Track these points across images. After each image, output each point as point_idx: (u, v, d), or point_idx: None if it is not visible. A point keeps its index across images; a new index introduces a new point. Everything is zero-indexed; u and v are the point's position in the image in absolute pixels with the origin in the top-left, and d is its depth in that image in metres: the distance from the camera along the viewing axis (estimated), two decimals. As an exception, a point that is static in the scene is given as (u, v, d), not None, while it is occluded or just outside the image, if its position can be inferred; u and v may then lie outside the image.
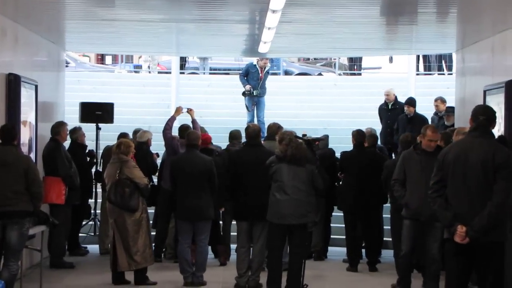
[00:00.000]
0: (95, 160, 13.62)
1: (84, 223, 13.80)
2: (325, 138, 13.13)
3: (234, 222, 11.25)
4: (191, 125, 12.52)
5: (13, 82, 10.86)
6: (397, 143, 12.87)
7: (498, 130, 10.31)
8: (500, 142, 7.82)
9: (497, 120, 7.54)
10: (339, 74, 24.17)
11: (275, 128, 11.91)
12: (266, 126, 13.72)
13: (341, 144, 15.08)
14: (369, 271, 12.20)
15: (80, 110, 14.65)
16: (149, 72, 25.36)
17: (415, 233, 9.94)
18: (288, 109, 19.66)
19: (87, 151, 13.40)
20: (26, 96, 11.51)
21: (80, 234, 13.61)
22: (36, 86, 12.06)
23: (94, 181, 13.72)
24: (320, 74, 24.72)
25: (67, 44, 14.65)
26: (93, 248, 13.62)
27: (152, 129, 14.68)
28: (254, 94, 17.68)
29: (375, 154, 12.66)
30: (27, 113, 11.62)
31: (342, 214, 12.65)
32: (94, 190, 13.85)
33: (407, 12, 11.32)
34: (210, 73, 23.96)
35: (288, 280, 9.91)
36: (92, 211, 13.87)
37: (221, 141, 14.09)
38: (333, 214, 13.39)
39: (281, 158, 9.89)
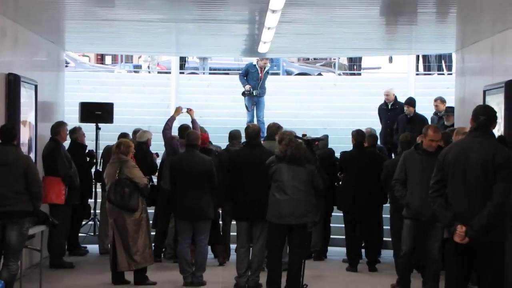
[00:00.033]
0: (94, 160, 13.62)
1: (84, 223, 13.80)
2: (325, 138, 13.13)
3: (234, 222, 11.25)
4: (190, 125, 12.51)
5: (13, 82, 10.86)
6: (397, 143, 12.88)
7: (498, 130, 10.31)
8: (500, 142, 7.81)
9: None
10: (339, 74, 24.16)
11: (275, 128, 11.91)
12: (265, 126, 13.73)
13: (340, 144, 15.08)
14: (369, 271, 12.20)
15: (79, 110, 14.66)
16: (149, 72, 25.35)
17: (415, 233, 9.94)
18: (288, 109, 19.66)
19: (87, 151, 13.40)
20: (26, 96, 11.51)
21: (80, 234, 13.61)
22: (36, 86, 12.06)
23: (94, 181, 13.72)
24: (319, 74, 24.72)
25: (67, 44, 14.65)
26: (93, 248, 13.62)
27: (151, 129, 14.68)
28: (254, 94, 17.68)
29: (375, 154, 12.66)
30: (27, 113, 11.61)
31: (341, 214, 12.65)
32: (94, 190, 13.85)
33: (407, 12, 11.32)
34: (210, 73, 23.96)
35: (287, 280, 9.91)
36: (92, 211, 13.87)
37: (220, 141, 14.09)
38: (332, 214, 13.39)
39: (280, 158, 9.90)
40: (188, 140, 10.96)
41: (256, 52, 15.52)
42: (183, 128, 12.46)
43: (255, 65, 17.91)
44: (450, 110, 14.59)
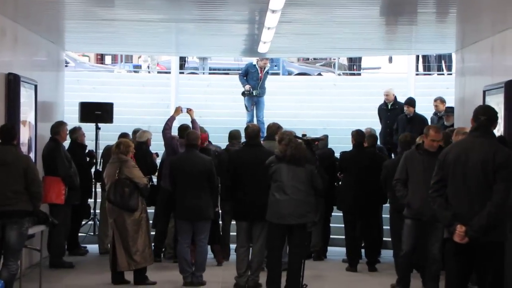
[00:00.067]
0: (94, 160, 13.62)
1: (83, 223, 13.80)
2: (325, 138, 13.13)
3: (233, 222, 11.25)
4: (190, 125, 12.52)
5: (13, 82, 10.86)
6: (397, 143, 12.87)
7: (498, 130, 10.30)
8: (500, 143, 7.82)
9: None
10: (339, 74, 24.16)
11: (274, 128, 11.90)
12: (265, 126, 13.73)
13: (340, 144, 15.08)
14: (369, 271, 12.20)
15: (79, 110, 14.66)
16: (149, 72, 25.35)
17: (416, 233, 9.94)
18: (288, 109, 19.66)
19: (87, 151, 13.40)
20: (26, 95, 11.51)
21: (79, 234, 13.61)
22: (36, 86, 12.06)
23: (93, 180, 13.72)
24: (319, 74, 24.71)
25: (67, 44, 14.65)
26: (93, 248, 13.62)
27: (151, 129, 14.67)
28: (254, 94, 17.68)
29: (374, 154, 12.66)
30: (27, 112, 11.61)
31: (341, 214, 12.65)
32: (93, 190, 13.85)
33: (407, 12, 11.32)
34: (210, 73, 23.95)
35: (287, 280, 9.91)
36: (92, 211, 13.87)
37: (220, 141, 14.09)
38: (332, 214, 13.39)
39: (280, 158, 9.90)
40: (188, 140, 10.96)
41: (256, 52, 15.52)
42: (183, 128, 12.46)
43: (255, 65, 17.91)
44: (450, 110, 14.59)
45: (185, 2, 10.88)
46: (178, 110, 12.89)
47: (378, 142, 14.02)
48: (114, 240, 10.61)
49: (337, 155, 13.20)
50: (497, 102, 10.74)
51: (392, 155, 14.38)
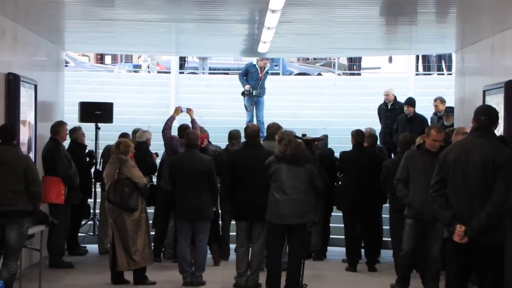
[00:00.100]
0: (94, 161, 13.61)
1: (83, 222, 13.81)
2: (325, 138, 13.13)
3: (233, 222, 11.24)
4: (190, 125, 12.51)
5: (13, 82, 10.85)
6: (397, 143, 12.88)
7: (497, 130, 10.29)
8: (500, 142, 7.82)
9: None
10: (339, 74, 24.15)
11: (274, 128, 11.89)
12: (265, 126, 13.72)
13: (340, 144, 15.08)
14: (368, 271, 12.20)
15: (79, 110, 14.66)
16: (149, 72, 25.34)
17: (417, 232, 9.95)
18: (288, 109, 19.66)
19: (87, 151, 13.40)
20: (26, 95, 11.51)
21: (79, 234, 13.61)
22: (36, 86, 12.06)
23: (93, 180, 13.72)
24: (319, 74, 24.71)
25: (67, 43, 14.65)
26: (92, 247, 13.62)
27: (151, 128, 14.67)
28: (254, 94, 17.68)
29: (374, 154, 12.66)
30: (27, 112, 11.61)
31: (341, 214, 12.65)
32: (93, 189, 13.85)
33: (407, 12, 11.32)
34: (210, 73, 23.95)
35: (287, 280, 9.91)
36: (92, 211, 13.87)
37: (220, 141, 14.09)
38: (332, 214, 13.39)
39: (280, 158, 9.89)
40: (187, 140, 10.96)
41: (256, 52, 15.52)
42: (182, 128, 12.46)
43: (255, 65, 17.91)
44: (449, 110, 14.59)
45: (185, 2, 10.87)
46: (178, 110, 12.89)
47: (378, 142, 14.02)
48: (113, 240, 10.61)
49: (337, 155, 13.20)
50: (497, 102, 10.74)
51: (392, 155, 14.38)
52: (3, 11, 10.67)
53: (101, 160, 13.23)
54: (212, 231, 11.39)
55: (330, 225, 13.57)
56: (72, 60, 23.75)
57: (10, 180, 9.06)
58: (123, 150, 10.67)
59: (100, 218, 13.46)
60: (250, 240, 10.69)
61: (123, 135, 12.85)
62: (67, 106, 15.17)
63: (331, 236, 13.69)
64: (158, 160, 13.44)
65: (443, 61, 23.03)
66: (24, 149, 11.14)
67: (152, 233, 11.85)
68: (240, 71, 18.71)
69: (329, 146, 13.49)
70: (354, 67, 25.69)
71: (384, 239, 13.29)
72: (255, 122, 17.02)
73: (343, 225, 12.63)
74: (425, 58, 23.08)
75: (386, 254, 13.00)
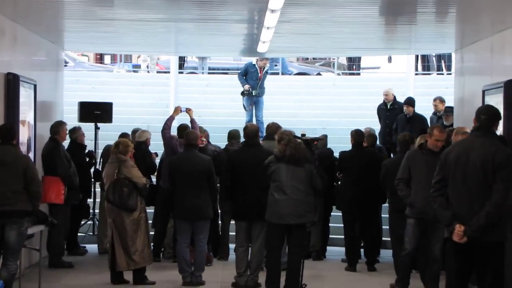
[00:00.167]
0: (94, 161, 13.61)
1: (82, 222, 13.80)
2: (324, 138, 13.13)
3: (232, 222, 11.24)
4: (189, 125, 12.51)
5: (12, 82, 10.85)
6: (396, 143, 12.87)
7: (497, 130, 10.29)
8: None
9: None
10: (338, 74, 24.14)
11: (274, 127, 11.89)
12: (264, 126, 13.72)
13: (340, 144, 15.08)
14: (368, 271, 12.19)
15: (79, 110, 14.66)
16: (148, 71, 25.35)
17: (419, 232, 9.95)
18: (287, 108, 19.65)
19: (86, 151, 13.40)
20: (25, 95, 11.50)
21: (79, 234, 13.61)
22: (35, 86, 12.05)
23: (93, 180, 13.71)
24: (319, 74, 24.70)
25: (66, 43, 14.65)
26: (92, 247, 13.61)
27: (150, 128, 14.67)
28: (253, 94, 17.67)
29: (374, 154, 12.66)
30: (26, 112, 11.61)
31: (340, 213, 12.65)
32: (93, 189, 13.84)
33: (406, 12, 11.32)
34: (209, 73, 23.94)
35: (286, 280, 9.91)
36: (91, 211, 13.87)
37: (220, 141, 14.09)
38: (331, 213, 13.38)
39: (279, 158, 9.89)
40: (187, 139, 10.96)
41: (255, 52, 15.51)
42: (182, 128, 12.46)
43: (254, 64, 17.90)
44: (449, 110, 14.59)
45: (184, 2, 10.87)
46: (177, 110, 12.89)
47: (378, 142, 14.02)
48: (113, 240, 10.61)
49: (336, 154, 13.19)
50: (496, 102, 10.72)
51: (392, 154, 14.37)
52: (3, 11, 10.67)
53: (101, 160, 13.23)
54: (211, 231, 11.38)
55: (330, 225, 13.57)
56: (71, 60, 23.75)
57: (10, 180, 9.06)
58: (122, 150, 10.67)
59: (100, 218, 13.46)
60: (249, 240, 10.69)
61: (123, 135, 12.86)
62: (67, 106, 15.16)
63: (330, 236, 13.69)
64: (157, 160, 13.43)
65: (442, 61, 23.03)
66: (23, 149, 11.13)
67: (152, 233, 11.85)
68: (239, 71, 18.71)
69: (329, 146, 13.48)
70: (354, 67, 25.67)
71: (383, 239, 13.29)
72: (254, 122, 17.02)
73: (342, 225, 12.63)
74: (425, 58, 23.08)
75: (386, 254, 13.00)
